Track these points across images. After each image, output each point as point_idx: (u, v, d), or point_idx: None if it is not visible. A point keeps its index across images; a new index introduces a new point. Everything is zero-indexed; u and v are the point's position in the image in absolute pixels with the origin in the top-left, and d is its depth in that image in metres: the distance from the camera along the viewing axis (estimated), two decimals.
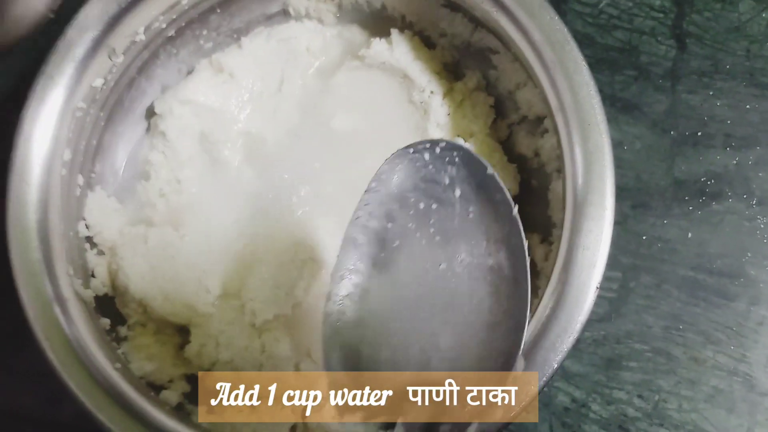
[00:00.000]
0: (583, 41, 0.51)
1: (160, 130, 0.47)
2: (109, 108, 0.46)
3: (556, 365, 0.36)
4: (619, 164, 0.38)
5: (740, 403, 0.46)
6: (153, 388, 0.42)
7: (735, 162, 0.49)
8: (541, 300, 0.37)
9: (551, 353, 0.36)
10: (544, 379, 0.36)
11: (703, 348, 0.47)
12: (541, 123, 0.44)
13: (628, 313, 0.48)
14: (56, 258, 0.40)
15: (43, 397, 0.46)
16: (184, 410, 0.42)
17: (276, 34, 0.48)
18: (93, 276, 0.44)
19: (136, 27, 0.43)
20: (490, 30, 0.43)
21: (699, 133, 0.50)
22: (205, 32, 0.48)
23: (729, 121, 0.50)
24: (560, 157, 0.39)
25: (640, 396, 0.47)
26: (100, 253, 0.45)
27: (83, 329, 0.39)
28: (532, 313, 0.37)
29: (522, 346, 0.32)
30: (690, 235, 0.49)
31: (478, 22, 0.44)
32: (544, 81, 0.40)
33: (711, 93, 0.50)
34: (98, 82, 0.43)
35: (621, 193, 0.38)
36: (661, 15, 0.52)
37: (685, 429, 0.46)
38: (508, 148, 0.47)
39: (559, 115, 0.39)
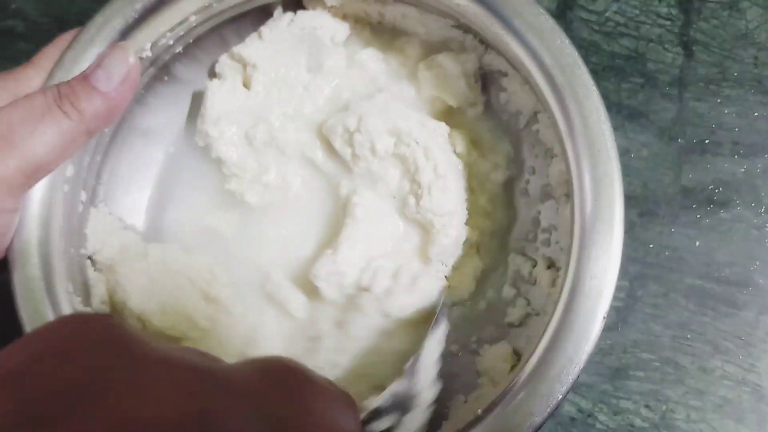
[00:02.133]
0: (589, 49, 0.51)
1: (216, 156, 0.47)
2: (115, 124, 0.46)
3: (561, 396, 0.36)
4: (626, 172, 0.38)
5: (749, 413, 0.46)
6: None
7: (743, 170, 0.49)
8: (546, 329, 0.37)
9: (556, 384, 0.36)
10: (548, 410, 0.35)
11: (711, 357, 0.47)
12: (550, 147, 0.44)
13: (635, 322, 0.47)
14: (56, 275, 0.40)
15: None
16: None
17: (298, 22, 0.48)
18: (91, 293, 0.44)
19: (143, 43, 0.43)
20: (500, 52, 0.43)
21: (707, 141, 0.50)
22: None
23: (737, 129, 0.50)
24: (568, 182, 0.39)
25: (647, 406, 0.47)
26: (99, 270, 0.45)
27: None
28: (538, 341, 0.37)
29: None
30: (698, 243, 0.48)
31: (488, 44, 0.44)
32: (554, 105, 0.39)
33: (719, 101, 0.50)
34: None
35: (628, 201, 0.37)
36: (668, 22, 0.52)
37: None
38: None
39: (568, 140, 0.38)
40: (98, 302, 0.44)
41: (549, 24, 0.39)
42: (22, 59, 0.41)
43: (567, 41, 0.39)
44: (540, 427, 0.36)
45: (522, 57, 0.40)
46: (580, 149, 0.38)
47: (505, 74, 0.45)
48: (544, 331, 0.37)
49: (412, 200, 0.44)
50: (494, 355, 0.43)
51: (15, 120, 0.37)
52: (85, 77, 0.38)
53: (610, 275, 0.36)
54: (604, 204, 0.37)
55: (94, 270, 0.44)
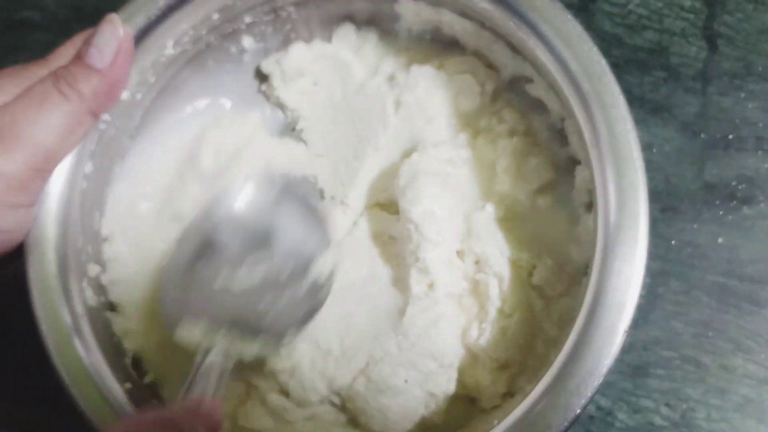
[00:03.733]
0: (611, 42, 0.50)
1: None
2: (136, 122, 0.45)
3: (579, 410, 0.35)
4: (648, 167, 0.37)
5: None
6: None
7: (767, 166, 0.48)
8: (566, 341, 0.36)
9: (575, 397, 0.35)
10: (566, 423, 0.35)
11: (733, 356, 0.46)
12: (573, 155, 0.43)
13: (656, 320, 0.47)
14: (72, 271, 0.40)
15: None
16: None
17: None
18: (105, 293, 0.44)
19: (164, 41, 0.42)
20: (526, 58, 0.42)
21: (730, 136, 0.49)
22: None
23: (761, 124, 0.49)
24: (591, 192, 0.38)
25: (667, 405, 0.46)
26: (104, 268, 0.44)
27: (94, 349, 0.39)
28: (556, 354, 0.36)
29: None
30: (720, 240, 0.48)
31: (515, 50, 0.43)
32: (580, 113, 0.38)
33: (743, 95, 0.49)
34: (124, 95, 0.42)
35: (650, 196, 0.37)
36: (692, 15, 0.51)
37: None
38: None
39: (593, 149, 0.38)
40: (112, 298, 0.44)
41: (577, 30, 0.38)
42: (38, 50, 0.40)
43: (595, 48, 0.38)
44: None
45: (548, 63, 0.39)
46: (606, 158, 0.37)
47: (531, 80, 0.44)
48: (563, 344, 0.36)
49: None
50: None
51: (17, 112, 0.36)
52: (79, 57, 0.38)
53: (633, 289, 0.35)
54: (629, 215, 0.36)
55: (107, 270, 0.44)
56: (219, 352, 0.39)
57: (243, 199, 0.43)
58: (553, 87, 0.41)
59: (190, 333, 0.40)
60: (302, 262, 0.43)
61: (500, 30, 0.42)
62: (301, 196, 0.45)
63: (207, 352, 0.39)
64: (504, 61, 0.45)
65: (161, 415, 0.35)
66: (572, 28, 0.39)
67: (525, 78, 0.45)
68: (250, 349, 0.41)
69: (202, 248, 0.42)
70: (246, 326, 0.41)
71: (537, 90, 0.44)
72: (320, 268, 0.43)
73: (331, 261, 0.43)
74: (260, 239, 0.43)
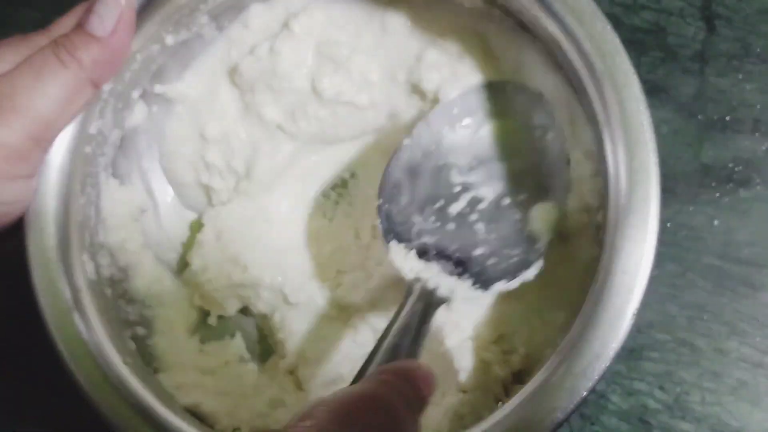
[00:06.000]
0: (609, 22, 0.50)
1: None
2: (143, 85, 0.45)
3: (585, 393, 0.34)
4: None
5: (765, 396, 0.45)
6: None
7: (764, 148, 0.48)
8: (574, 323, 0.36)
9: (581, 380, 0.35)
10: (572, 406, 0.34)
11: (727, 339, 0.46)
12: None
13: (650, 302, 0.46)
14: (72, 244, 0.39)
15: None
16: None
17: None
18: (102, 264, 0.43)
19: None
20: (537, 36, 0.41)
21: (727, 118, 0.48)
22: None
23: (758, 106, 0.48)
24: (602, 174, 0.38)
25: (661, 388, 0.46)
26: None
27: (94, 323, 0.38)
28: (565, 335, 0.36)
29: None
30: (716, 222, 0.47)
31: (525, 28, 0.43)
32: (593, 93, 0.38)
33: (740, 77, 0.49)
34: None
35: None
36: None
37: (708, 422, 0.45)
38: None
39: (605, 129, 0.37)
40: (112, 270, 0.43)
41: (591, 8, 0.38)
42: (28, 27, 0.40)
43: (608, 27, 0.37)
44: (563, 422, 0.35)
45: (561, 41, 0.39)
46: (617, 139, 0.36)
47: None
48: (572, 324, 0.36)
49: None
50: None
51: (16, 80, 0.36)
52: (79, 25, 0.37)
53: (642, 272, 0.35)
54: (640, 197, 0.36)
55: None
56: (426, 286, 0.40)
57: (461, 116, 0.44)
58: (563, 66, 0.40)
59: (400, 256, 0.41)
60: (528, 195, 0.43)
61: (511, 6, 0.42)
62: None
63: (413, 286, 0.40)
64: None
65: (360, 393, 0.30)
66: (586, 5, 0.38)
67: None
68: (455, 290, 0.41)
69: (420, 170, 0.44)
70: (457, 263, 0.41)
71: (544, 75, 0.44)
72: (541, 216, 0.42)
73: (553, 215, 0.42)
74: (486, 160, 0.44)
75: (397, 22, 0.46)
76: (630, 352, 0.46)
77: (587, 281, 0.37)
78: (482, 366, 0.44)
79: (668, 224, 0.47)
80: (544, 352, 0.43)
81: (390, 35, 0.46)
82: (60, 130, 0.38)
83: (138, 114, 0.45)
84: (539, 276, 0.41)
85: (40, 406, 0.48)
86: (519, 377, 0.44)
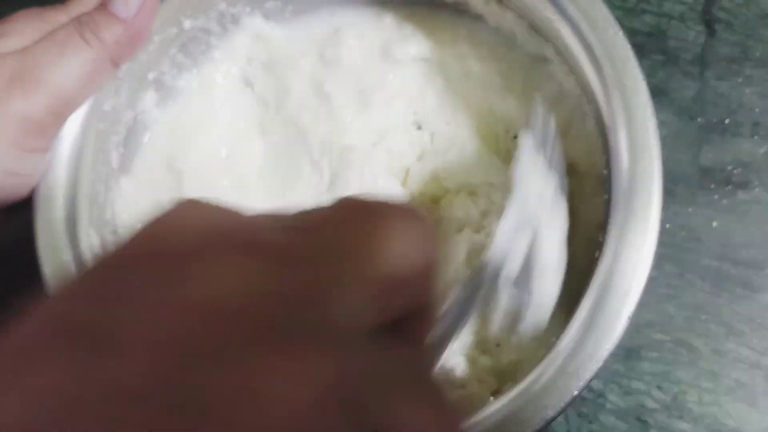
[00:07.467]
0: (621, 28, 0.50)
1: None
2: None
3: (576, 392, 0.34)
4: None
5: (762, 397, 0.45)
6: None
7: (763, 151, 0.48)
8: (570, 323, 0.36)
9: (573, 380, 0.34)
10: (563, 404, 0.34)
11: (725, 340, 0.46)
12: None
13: (649, 303, 0.47)
14: (80, 217, 0.39)
15: None
16: None
17: None
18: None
19: None
20: (549, 39, 0.42)
21: (727, 121, 0.49)
22: None
23: (757, 110, 0.49)
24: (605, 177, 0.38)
25: (659, 387, 0.46)
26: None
27: None
28: (561, 334, 0.36)
29: None
30: (715, 224, 0.48)
31: (536, 29, 0.43)
32: (600, 98, 0.38)
33: (740, 80, 0.49)
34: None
35: None
36: (691, 0, 0.51)
37: (705, 422, 0.45)
38: None
39: (611, 134, 0.37)
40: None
41: (603, 13, 0.38)
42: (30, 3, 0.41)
43: (620, 33, 0.38)
44: (553, 420, 0.35)
45: (572, 45, 0.39)
46: (621, 144, 0.37)
47: (551, 62, 0.44)
48: (568, 324, 0.36)
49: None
50: None
51: (39, 55, 0.37)
52: (104, 5, 0.38)
53: (640, 275, 0.35)
54: (640, 203, 0.36)
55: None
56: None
57: None
58: (573, 71, 0.40)
59: None
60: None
61: (524, 8, 0.42)
62: None
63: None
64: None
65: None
66: (599, 10, 0.38)
67: (544, 58, 0.44)
68: None
69: None
70: None
71: (555, 71, 0.44)
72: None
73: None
74: None
75: None
76: (628, 351, 0.46)
77: (585, 283, 0.37)
78: (473, 362, 0.44)
79: (667, 225, 0.48)
80: (538, 352, 0.43)
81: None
82: (78, 105, 0.39)
83: (149, 98, 0.46)
84: None
85: None
86: (512, 376, 0.44)
